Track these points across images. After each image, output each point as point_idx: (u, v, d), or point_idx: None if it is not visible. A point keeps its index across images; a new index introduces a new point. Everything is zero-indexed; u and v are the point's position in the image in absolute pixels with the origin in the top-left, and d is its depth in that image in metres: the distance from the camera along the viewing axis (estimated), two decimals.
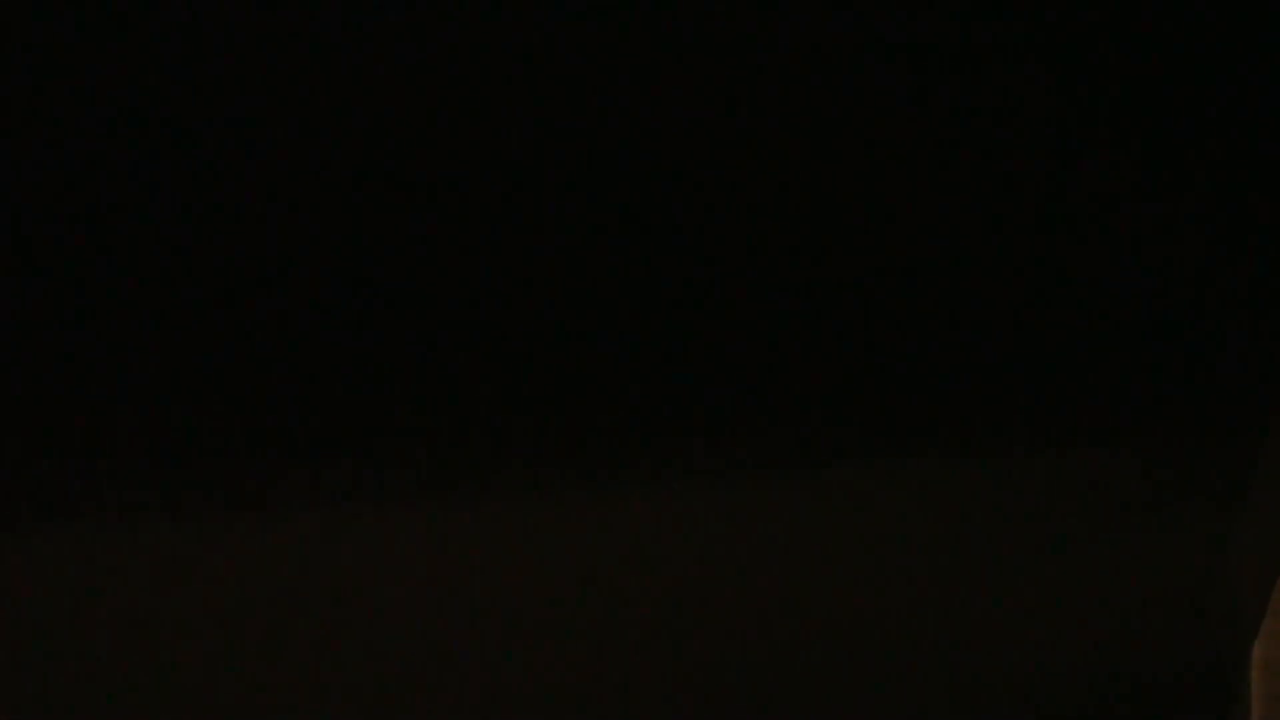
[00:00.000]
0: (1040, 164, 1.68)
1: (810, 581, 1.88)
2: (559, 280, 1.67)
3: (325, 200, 1.60)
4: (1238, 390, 1.81)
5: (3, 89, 1.51)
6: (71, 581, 1.75)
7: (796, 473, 1.81)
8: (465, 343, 1.68)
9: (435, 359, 1.69)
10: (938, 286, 1.73)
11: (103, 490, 1.70)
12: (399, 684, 1.86)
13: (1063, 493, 1.86)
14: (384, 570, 1.80)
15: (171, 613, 1.80)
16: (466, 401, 1.71)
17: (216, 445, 1.69)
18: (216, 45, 1.51)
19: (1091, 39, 1.60)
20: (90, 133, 1.54)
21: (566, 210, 1.64)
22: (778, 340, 1.73)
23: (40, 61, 1.50)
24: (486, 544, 1.80)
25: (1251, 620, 2.00)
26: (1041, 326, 1.77)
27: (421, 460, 1.73)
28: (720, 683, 1.91)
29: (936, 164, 1.66)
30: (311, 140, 1.57)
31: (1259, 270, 1.75)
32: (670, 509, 1.80)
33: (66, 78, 1.51)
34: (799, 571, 1.87)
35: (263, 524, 1.74)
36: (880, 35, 1.58)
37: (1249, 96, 1.65)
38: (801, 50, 1.58)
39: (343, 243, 1.63)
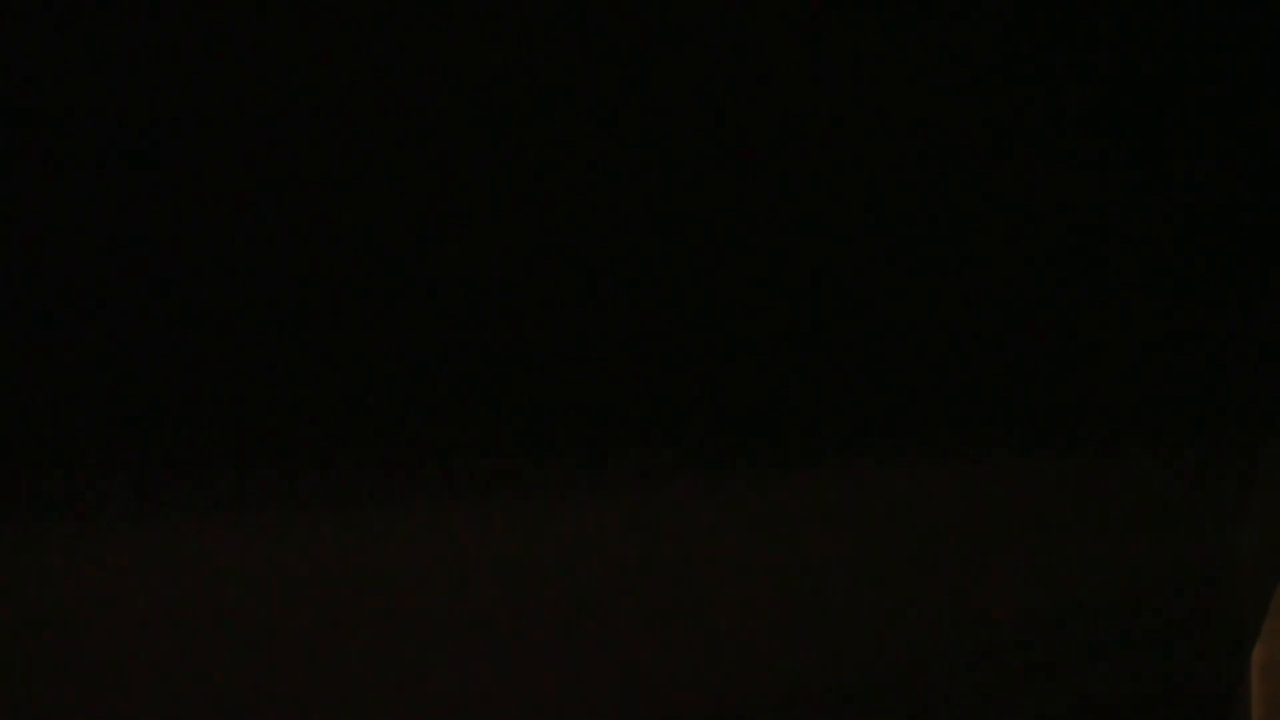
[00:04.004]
0: (1038, 167, 1.68)
1: (809, 581, 1.88)
2: (559, 284, 1.67)
3: (331, 206, 1.60)
4: (1238, 390, 1.81)
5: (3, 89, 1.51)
6: (71, 582, 1.75)
7: (798, 474, 1.81)
8: (464, 346, 1.68)
9: (435, 362, 1.69)
10: (937, 289, 1.73)
11: (104, 493, 1.70)
12: (399, 684, 1.86)
13: (1063, 493, 1.86)
14: (384, 572, 1.80)
15: (173, 614, 1.80)
16: (464, 405, 1.71)
17: (220, 448, 1.69)
18: (216, 45, 1.51)
19: (1093, 39, 1.60)
20: (88, 133, 1.55)
21: (567, 213, 1.64)
22: (777, 343, 1.73)
23: (40, 61, 1.50)
24: (485, 545, 1.80)
25: (1252, 622, 2.00)
26: (1042, 328, 1.77)
27: (424, 463, 1.73)
28: (716, 680, 1.91)
29: (936, 167, 1.67)
30: (312, 142, 1.57)
31: (1259, 271, 1.75)
32: (669, 510, 1.80)
33: (66, 77, 1.51)
34: (798, 571, 1.87)
35: (265, 526, 1.74)
36: (882, 36, 1.59)
37: (1249, 97, 1.66)
38: (801, 51, 1.59)
39: (343, 246, 1.63)
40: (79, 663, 1.79)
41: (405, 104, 1.56)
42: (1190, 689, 2.01)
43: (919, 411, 1.79)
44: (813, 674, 1.93)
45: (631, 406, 1.73)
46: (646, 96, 1.58)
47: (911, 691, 1.97)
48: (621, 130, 1.60)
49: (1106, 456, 1.85)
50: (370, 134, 1.58)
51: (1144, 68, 1.62)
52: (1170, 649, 1.99)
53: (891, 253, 1.71)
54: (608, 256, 1.66)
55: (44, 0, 1.46)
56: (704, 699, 1.92)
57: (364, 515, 1.75)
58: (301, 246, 1.62)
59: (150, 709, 1.81)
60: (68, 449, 1.68)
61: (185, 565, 1.75)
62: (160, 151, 1.56)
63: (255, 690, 1.83)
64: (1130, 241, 1.73)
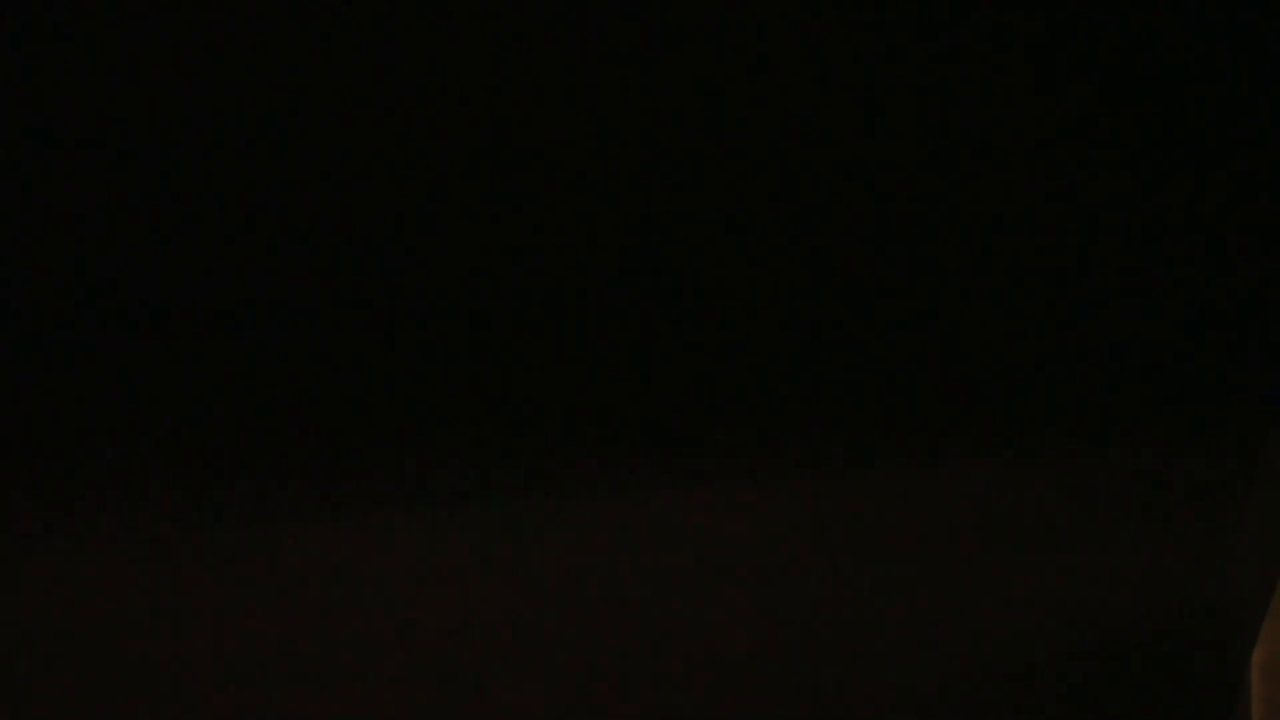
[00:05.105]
0: (1040, 168, 1.68)
1: (811, 582, 1.88)
2: (568, 285, 1.67)
3: (332, 209, 1.61)
4: (1238, 390, 1.81)
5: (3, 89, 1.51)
6: (71, 583, 1.75)
7: (799, 474, 1.81)
8: (469, 348, 1.68)
9: (441, 362, 1.69)
10: (939, 290, 1.73)
11: (107, 496, 1.70)
12: (400, 684, 1.86)
13: (1063, 493, 1.86)
14: (386, 574, 1.80)
15: (173, 616, 1.80)
16: (468, 407, 1.71)
17: (222, 451, 1.69)
18: (217, 45, 1.51)
19: (1095, 38, 1.61)
20: (89, 133, 1.55)
21: (576, 214, 1.64)
22: (782, 346, 1.73)
23: (40, 61, 1.50)
24: (487, 548, 1.80)
25: (1251, 623, 2.00)
26: (1042, 329, 1.77)
27: (425, 466, 1.73)
28: (724, 681, 1.91)
29: (939, 168, 1.67)
30: (313, 143, 1.57)
31: (1259, 271, 1.76)
32: (673, 513, 1.80)
33: (66, 78, 1.51)
34: (800, 572, 1.87)
35: (267, 529, 1.74)
36: (885, 36, 1.59)
37: (1249, 97, 1.66)
38: (802, 51, 1.59)
39: (344, 248, 1.63)
40: (76, 664, 1.79)
41: (405, 104, 1.56)
42: (1190, 689, 2.01)
43: (912, 414, 1.79)
44: (814, 672, 1.93)
45: (635, 409, 1.73)
46: (652, 97, 1.59)
47: (908, 690, 1.97)
48: (626, 130, 1.60)
49: (1106, 457, 1.85)
50: (370, 134, 1.58)
51: (1146, 67, 1.62)
52: (1170, 650, 1.99)
53: (893, 255, 1.71)
54: (608, 259, 1.66)
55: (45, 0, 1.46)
56: (707, 699, 1.92)
57: (362, 518, 1.75)
58: (303, 247, 1.62)
59: (148, 710, 1.81)
60: (64, 453, 1.68)
61: (185, 569, 1.75)
62: (160, 149, 1.56)
63: (254, 692, 1.83)
64: (1130, 242, 1.73)
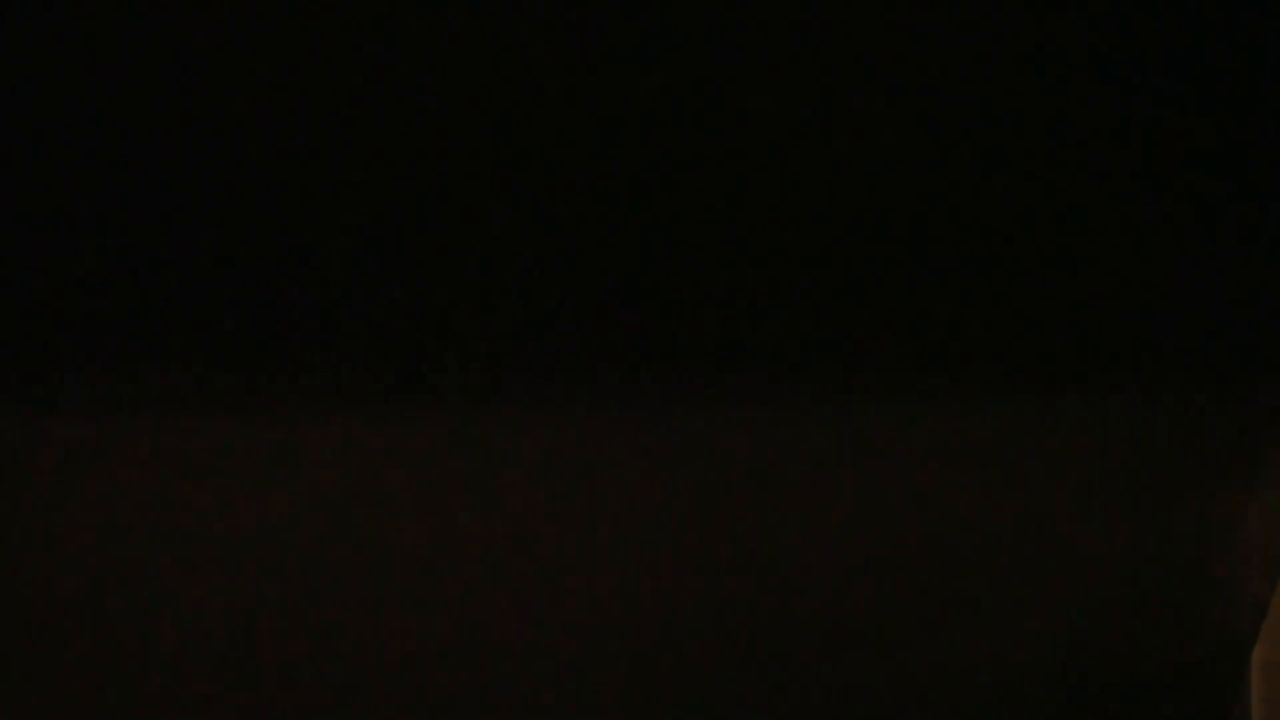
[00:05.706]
0: (1040, 162, 1.68)
1: (805, 576, 1.88)
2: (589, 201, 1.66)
3: (328, 180, 1.61)
4: (1238, 388, 1.81)
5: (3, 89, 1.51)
6: (68, 581, 1.75)
7: (795, 472, 1.80)
8: (485, 247, 1.67)
9: (454, 261, 1.67)
10: (936, 286, 1.73)
11: (103, 392, 1.69)
12: (394, 670, 1.86)
13: (1062, 490, 1.86)
14: (388, 483, 1.78)
15: (170, 612, 1.80)
16: (483, 309, 1.69)
17: (222, 352, 1.67)
18: (215, 44, 1.51)
19: (1094, 37, 1.61)
20: (85, 129, 1.55)
21: (564, 190, 1.64)
22: (795, 287, 1.72)
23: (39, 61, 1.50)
24: (499, 459, 1.77)
25: (1251, 622, 2.00)
26: (1040, 324, 1.77)
27: (442, 367, 1.70)
28: (721, 647, 1.90)
29: (937, 161, 1.67)
30: (305, 130, 1.57)
31: (1259, 270, 1.76)
32: (700, 433, 1.78)
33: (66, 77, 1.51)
34: (795, 563, 1.87)
35: (261, 435, 1.71)
36: (882, 33, 1.59)
37: (1249, 96, 1.66)
38: (801, 47, 1.59)
39: (336, 224, 1.63)
40: (74, 571, 1.78)
41: (404, 102, 1.57)
42: (1189, 689, 2.01)
43: (914, 410, 1.79)
44: (809, 668, 1.93)
45: (663, 322, 1.71)
46: (640, 87, 1.59)
47: (901, 688, 1.97)
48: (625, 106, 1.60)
49: (1104, 456, 1.85)
50: (360, 121, 1.58)
51: (1148, 64, 1.63)
52: (1169, 648, 1.99)
53: (895, 249, 1.71)
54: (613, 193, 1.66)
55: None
56: (707, 669, 1.92)
57: (367, 420, 1.72)
58: (303, 159, 1.61)
59: (144, 624, 1.80)
60: (68, 344, 1.66)
61: (184, 471, 1.73)
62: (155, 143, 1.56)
63: (247, 610, 1.81)
64: (1129, 239, 1.73)
